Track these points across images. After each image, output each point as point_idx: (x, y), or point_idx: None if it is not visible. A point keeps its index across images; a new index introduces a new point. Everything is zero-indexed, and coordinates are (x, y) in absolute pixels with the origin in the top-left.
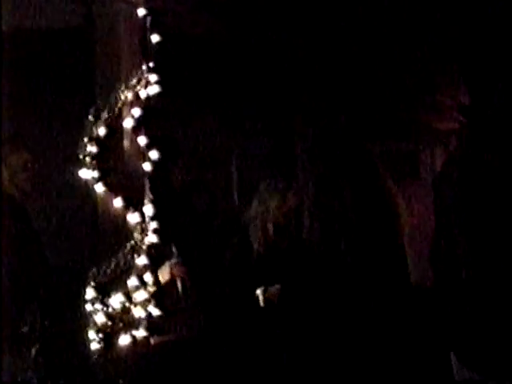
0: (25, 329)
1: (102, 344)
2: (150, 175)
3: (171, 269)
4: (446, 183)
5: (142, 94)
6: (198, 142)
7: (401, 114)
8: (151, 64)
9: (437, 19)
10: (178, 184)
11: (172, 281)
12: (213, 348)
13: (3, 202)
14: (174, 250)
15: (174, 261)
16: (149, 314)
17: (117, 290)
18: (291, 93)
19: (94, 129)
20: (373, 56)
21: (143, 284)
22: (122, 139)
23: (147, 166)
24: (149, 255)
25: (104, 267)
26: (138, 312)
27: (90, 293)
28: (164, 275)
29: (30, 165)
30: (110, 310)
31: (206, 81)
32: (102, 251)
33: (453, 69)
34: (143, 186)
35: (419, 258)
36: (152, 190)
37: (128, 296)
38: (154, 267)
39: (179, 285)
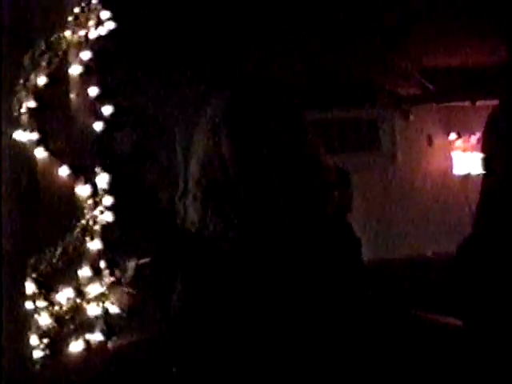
0: None
1: (47, 351)
2: (101, 136)
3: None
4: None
5: (92, 34)
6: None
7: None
8: None
9: None
10: (127, 150)
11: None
12: (177, 350)
13: None
14: None
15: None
16: (105, 312)
17: (64, 284)
18: None
19: (31, 78)
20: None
21: (98, 274)
22: (67, 91)
23: (98, 125)
24: (104, 238)
25: (47, 254)
26: (92, 310)
27: (29, 287)
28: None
29: None
30: (57, 308)
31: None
32: (45, 234)
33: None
34: (94, 150)
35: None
36: (104, 156)
37: (79, 290)
38: (110, 253)
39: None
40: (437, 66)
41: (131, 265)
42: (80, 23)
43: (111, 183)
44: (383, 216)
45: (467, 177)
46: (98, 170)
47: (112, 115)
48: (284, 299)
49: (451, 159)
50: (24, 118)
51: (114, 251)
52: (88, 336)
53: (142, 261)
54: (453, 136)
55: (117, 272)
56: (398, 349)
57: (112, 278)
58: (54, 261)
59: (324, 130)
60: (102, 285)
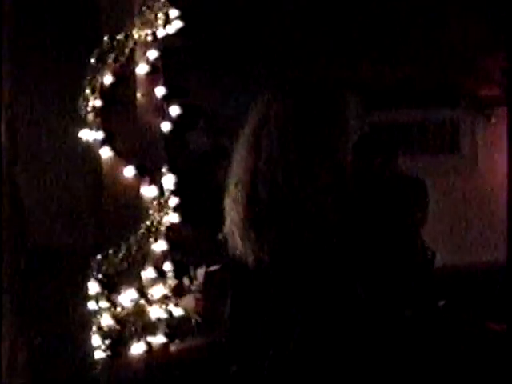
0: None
1: (108, 353)
2: (168, 137)
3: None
4: None
5: (160, 32)
6: (220, 99)
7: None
8: None
9: None
10: (197, 150)
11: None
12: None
13: None
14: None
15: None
16: (169, 315)
17: (128, 285)
18: None
19: (97, 77)
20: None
21: (162, 276)
22: (133, 90)
23: (166, 126)
24: (169, 239)
25: (111, 255)
26: (154, 312)
27: (93, 287)
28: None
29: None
30: (119, 309)
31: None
32: (109, 234)
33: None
34: (161, 151)
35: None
36: (171, 157)
37: (142, 292)
38: (175, 255)
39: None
40: None
41: (200, 272)
42: (147, 22)
43: (178, 184)
44: (462, 221)
45: None
46: (164, 170)
47: (179, 116)
48: (351, 313)
49: None
50: (90, 117)
51: (179, 253)
52: (150, 338)
53: (212, 268)
54: None
55: (185, 279)
56: (470, 359)
57: (176, 281)
58: (118, 262)
59: (404, 132)
60: (165, 287)
